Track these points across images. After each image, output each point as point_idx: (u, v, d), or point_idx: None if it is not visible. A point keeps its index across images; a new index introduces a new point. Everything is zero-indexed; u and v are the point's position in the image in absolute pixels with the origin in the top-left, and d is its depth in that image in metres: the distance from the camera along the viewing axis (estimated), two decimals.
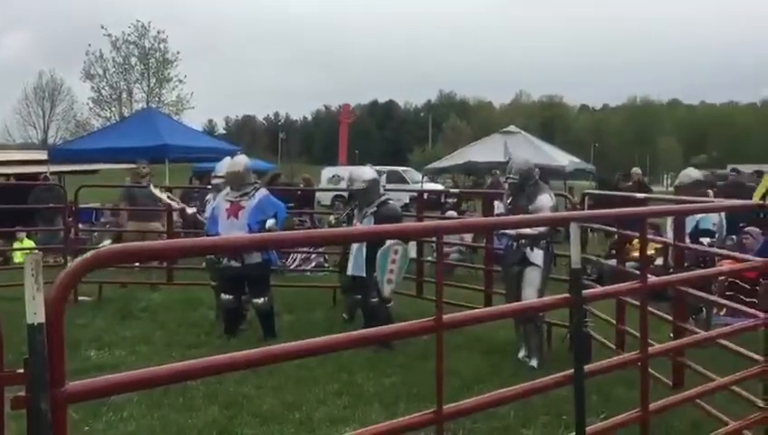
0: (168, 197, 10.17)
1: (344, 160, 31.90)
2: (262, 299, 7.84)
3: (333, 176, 28.29)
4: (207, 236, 7.76)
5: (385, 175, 28.48)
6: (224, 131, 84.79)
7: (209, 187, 9.15)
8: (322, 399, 5.82)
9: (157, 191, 10.15)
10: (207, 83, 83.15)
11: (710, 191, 8.60)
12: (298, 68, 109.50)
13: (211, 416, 5.43)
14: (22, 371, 1.82)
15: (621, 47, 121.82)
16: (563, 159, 20.25)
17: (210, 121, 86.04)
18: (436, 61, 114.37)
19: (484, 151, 19.57)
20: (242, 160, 8.34)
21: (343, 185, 20.42)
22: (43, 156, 18.21)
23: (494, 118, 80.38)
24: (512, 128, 22.10)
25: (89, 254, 1.95)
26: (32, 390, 1.78)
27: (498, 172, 7.18)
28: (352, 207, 8.35)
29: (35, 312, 1.78)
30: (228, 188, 8.06)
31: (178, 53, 44.27)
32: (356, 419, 5.35)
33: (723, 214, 7.50)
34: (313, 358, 6.28)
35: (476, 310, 3.77)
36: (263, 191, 8.11)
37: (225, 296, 7.93)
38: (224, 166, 8.78)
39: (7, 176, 18.08)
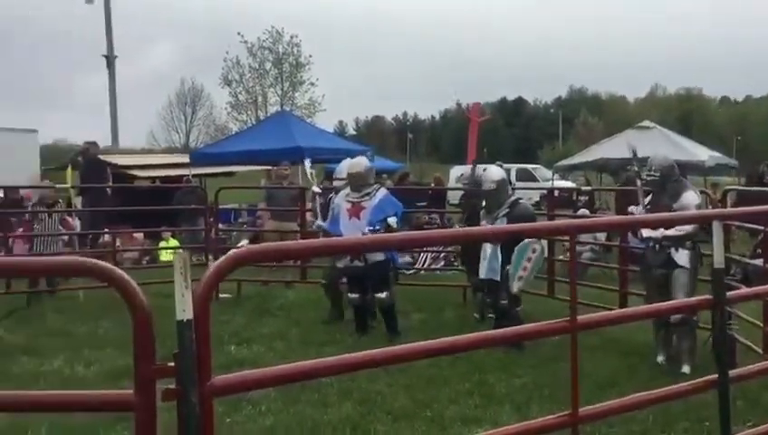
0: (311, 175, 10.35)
1: (473, 159, 31.73)
2: (384, 294, 7.91)
3: (462, 175, 28.17)
4: (329, 236, 7.94)
5: (514, 173, 28.19)
6: (354, 132, 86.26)
7: (332, 188, 9.31)
8: (454, 398, 5.83)
9: (308, 168, 10.39)
10: (338, 85, 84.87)
11: None
12: (426, 67, 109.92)
13: (345, 412, 5.54)
14: (172, 364, 1.92)
15: (765, 34, 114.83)
16: (703, 153, 19.34)
17: (341, 123, 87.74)
18: (567, 56, 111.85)
19: (617, 148, 18.95)
20: (362, 161, 8.43)
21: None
22: (185, 159, 19.13)
23: (629, 113, 77.65)
24: (646, 123, 21.33)
25: (232, 253, 2.05)
26: (182, 383, 1.88)
27: (634, 168, 6.89)
28: (478, 207, 8.26)
29: (184, 308, 1.87)
30: (349, 189, 8.18)
31: (311, 56, 45.36)
32: (488, 418, 5.33)
33: None
34: (444, 357, 6.32)
35: (613, 311, 3.67)
36: (383, 191, 8.21)
37: (351, 295, 8.08)
38: (344, 168, 8.96)
39: (153, 179, 19.13)
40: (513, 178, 25.56)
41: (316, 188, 9.82)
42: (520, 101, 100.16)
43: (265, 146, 16.20)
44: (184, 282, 1.88)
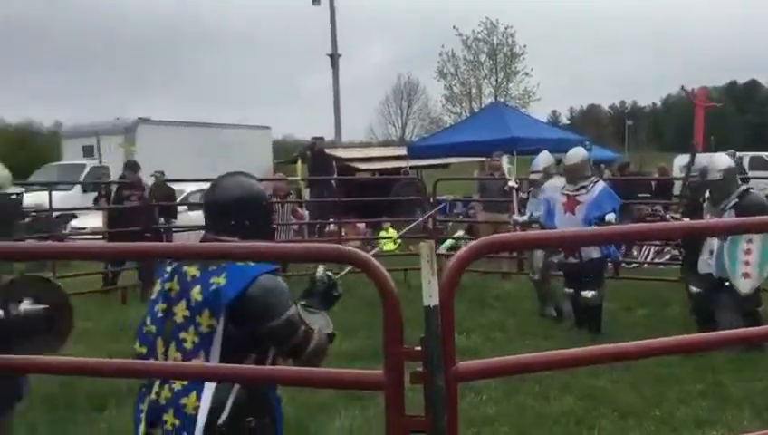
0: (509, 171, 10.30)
1: (700, 147, 29.85)
2: (591, 293, 7.53)
3: (686, 164, 26.64)
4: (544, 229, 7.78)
5: (747, 161, 26.14)
6: (567, 121, 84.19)
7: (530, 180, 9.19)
8: (684, 398, 5.57)
9: (505, 163, 10.42)
10: (552, 74, 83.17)
11: None
12: (645, 52, 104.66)
13: (567, 406, 5.48)
14: (419, 348, 2.01)
15: None
16: None
17: (554, 112, 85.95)
18: None
19: None
20: (578, 152, 8.08)
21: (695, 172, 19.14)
22: (402, 151, 19.71)
23: None
24: None
25: (476, 243, 2.10)
26: (428, 366, 1.96)
27: None
28: (701, 199, 7.65)
29: (431, 295, 1.95)
30: (564, 181, 7.92)
31: (525, 46, 44.96)
32: (723, 422, 5.03)
33: None
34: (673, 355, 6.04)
35: None
36: (600, 184, 7.81)
37: (567, 290, 7.89)
38: (541, 161, 8.79)
39: (373, 171, 19.91)
40: (746, 166, 23.73)
41: (512, 183, 9.77)
42: (753, 85, 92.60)
43: (480, 137, 16.25)
44: (430, 269, 1.95)
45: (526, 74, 44.38)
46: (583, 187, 7.67)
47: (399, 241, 13.34)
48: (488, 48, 45.28)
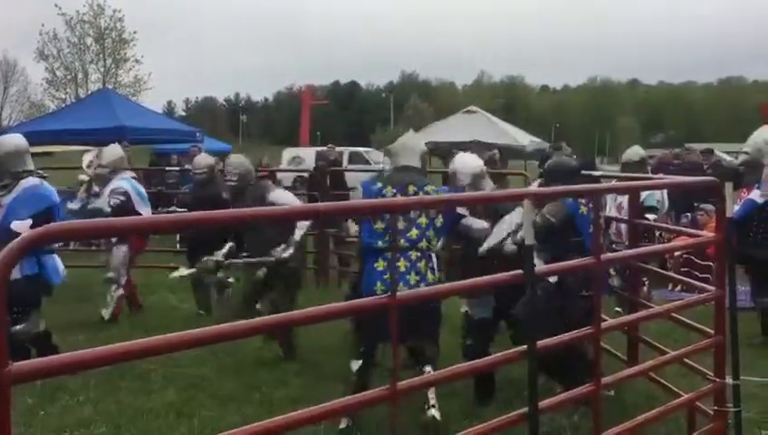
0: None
1: (306, 142, 31.85)
2: (18, 326, 5.74)
3: (294, 157, 28.11)
4: None
5: (347, 156, 28.48)
6: (183, 113, 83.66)
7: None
8: (282, 379, 5.83)
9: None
10: (167, 65, 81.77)
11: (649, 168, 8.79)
12: (260, 49, 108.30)
13: (168, 398, 5.40)
14: None
15: (581, 27, 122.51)
16: (524, 139, 20.45)
17: (169, 103, 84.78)
18: (400, 42, 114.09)
19: (446, 131, 19.68)
20: (7, 141, 6.19)
21: (305, 166, 20.39)
22: None
23: (457, 98, 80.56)
24: (472, 108, 22.31)
25: (30, 232, 1.92)
26: None
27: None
28: None
29: None
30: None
31: (135, 32, 43.35)
32: (315, 399, 5.33)
33: (665, 191, 7.52)
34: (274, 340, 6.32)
35: None
36: (25, 183, 5.90)
37: None
38: (106, 155, 7.86)
39: None
40: (345, 161, 25.80)
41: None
42: (353, 86, 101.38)
43: (86, 125, 15.40)
44: None
45: (137, 61, 42.90)
46: (5, 186, 5.92)
47: None
48: (95, 31, 42.87)
